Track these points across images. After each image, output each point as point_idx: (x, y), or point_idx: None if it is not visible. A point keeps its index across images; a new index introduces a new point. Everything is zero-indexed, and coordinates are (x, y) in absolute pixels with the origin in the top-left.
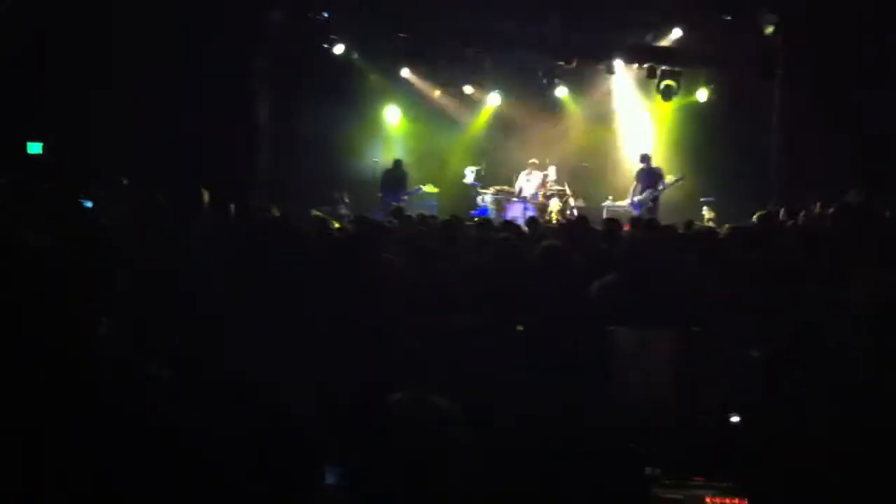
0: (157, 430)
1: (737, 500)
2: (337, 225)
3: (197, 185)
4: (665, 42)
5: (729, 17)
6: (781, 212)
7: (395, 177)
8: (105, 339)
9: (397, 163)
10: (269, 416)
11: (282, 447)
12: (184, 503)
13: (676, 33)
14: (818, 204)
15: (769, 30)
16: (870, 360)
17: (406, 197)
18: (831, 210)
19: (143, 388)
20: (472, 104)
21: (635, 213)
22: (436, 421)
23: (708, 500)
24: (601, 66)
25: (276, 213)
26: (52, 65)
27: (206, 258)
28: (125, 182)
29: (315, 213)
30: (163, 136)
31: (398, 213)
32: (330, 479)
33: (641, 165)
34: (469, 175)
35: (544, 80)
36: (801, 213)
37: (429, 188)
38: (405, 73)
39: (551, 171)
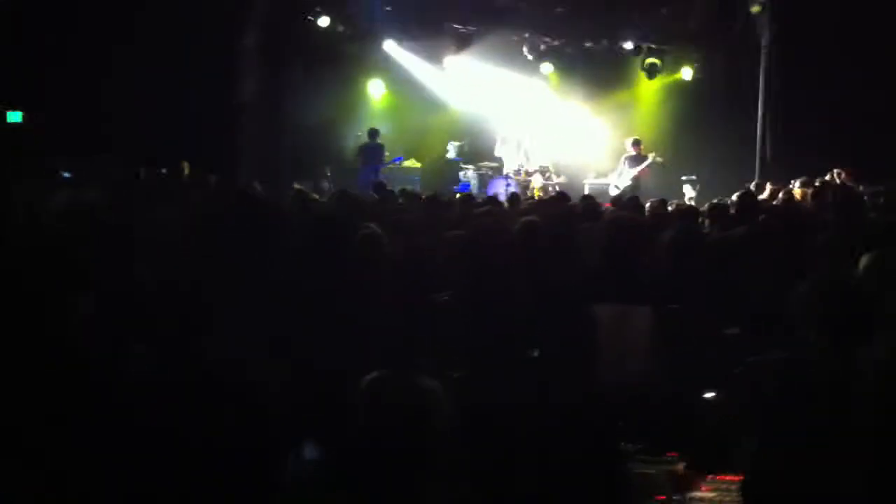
0: (136, 410)
1: (707, 475)
2: (316, 198)
3: (178, 159)
4: (651, 20)
5: None
6: (764, 191)
7: (371, 147)
8: (86, 319)
9: (372, 132)
10: (244, 393)
11: (255, 423)
12: (159, 480)
13: (663, 11)
14: (797, 183)
15: (756, 9)
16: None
17: (383, 168)
18: (812, 189)
19: (124, 368)
20: (457, 79)
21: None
22: (414, 399)
23: (678, 471)
24: (587, 44)
25: (258, 187)
26: (34, 35)
27: (185, 232)
28: (106, 154)
29: (297, 187)
30: (146, 111)
31: (380, 188)
32: (308, 454)
33: (631, 151)
34: (452, 150)
35: (530, 57)
36: (781, 193)
37: (411, 163)
38: (389, 46)
39: (535, 147)
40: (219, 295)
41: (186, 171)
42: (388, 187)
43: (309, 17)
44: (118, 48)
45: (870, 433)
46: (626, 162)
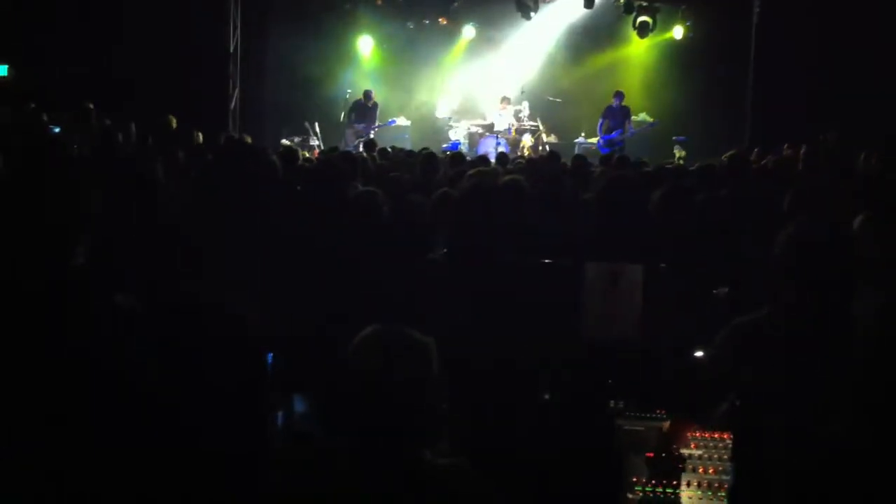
0: (123, 360)
1: (695, 433)
2: (306, 155)
3: (165, 112)
4: None
5: None
6: (753, 152)
7: (365, 108)
8: (80, 269)
9: (367, 94)
10: (231, 343)
11: (242, 374)
12: (146, 428)
13: None
14: (787, 145)
15: None
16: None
17: (376, 128)
18: (803, 150)
19: (112, 318)
20: (447, 36)
21: (603, 152)
22: (408, 353)
23: (666, 428)
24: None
25: (248, 140)
26: None
27: (173, 183)
28: (91, 107)
29: (285, 143)
30: (132, 63)
31: (370, 145)
32: (299, 407)
33: (613, 102)
34: (442, 108)
35: (520, 13)
36: (770, 154)
37: (401, 121)
38: (378, 3)
39: (524, 107)
40: (210, 241)
41: (174, 125)
42: (378, 145)
43: None
44: (107, 2)
45: (859, 381)
46: (608, 113)
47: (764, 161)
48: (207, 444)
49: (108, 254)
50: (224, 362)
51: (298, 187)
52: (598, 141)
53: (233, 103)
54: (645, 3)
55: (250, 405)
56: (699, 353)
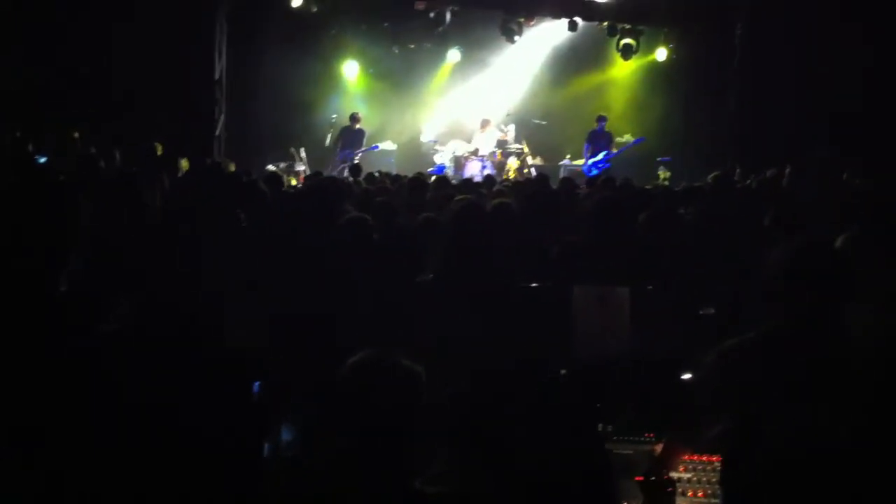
0: (108, 385)
1: (684, 456)
2: (293, 181)
3: (151, 138)
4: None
5: None
6: (737, 172)
7: (351, 132)
8: (64, 294)
9: (353, 117)
10: (220, 372)
11: (233, 402)
12: (137, 441)
13: None
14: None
15: None
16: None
17: (360, 153)
18: (788, 171)
19: (97, 344)
20: (433, 60)
21: (587, 175)
22: (399, 381)
23: (656, 452)
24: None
25: (231, 167)
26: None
27: (159, 212)
28: (76, 135)
29: (270, 168)
30: (117, 89)
31: (356, 170)
32: (286, 435)
33: (597, 126)
34: (427, 132)
35: (504, 37)
36: (753, 175)
37: (386, 145)
38: (364, 28)
39: (510, 130)
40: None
41: (160, 152)
42: (364, 170)
43: None
44: (92, 27)
45: (858, 395)
46: (592, 137)
47: (748, 181)
48: (199, 454)
49: (97, 265)
50: (217, 374)
51: (287, 210)
52: (584, 165)
53: (218, 130)
54: (628, 26)
55: (243, 419)
56: (687, 376)
